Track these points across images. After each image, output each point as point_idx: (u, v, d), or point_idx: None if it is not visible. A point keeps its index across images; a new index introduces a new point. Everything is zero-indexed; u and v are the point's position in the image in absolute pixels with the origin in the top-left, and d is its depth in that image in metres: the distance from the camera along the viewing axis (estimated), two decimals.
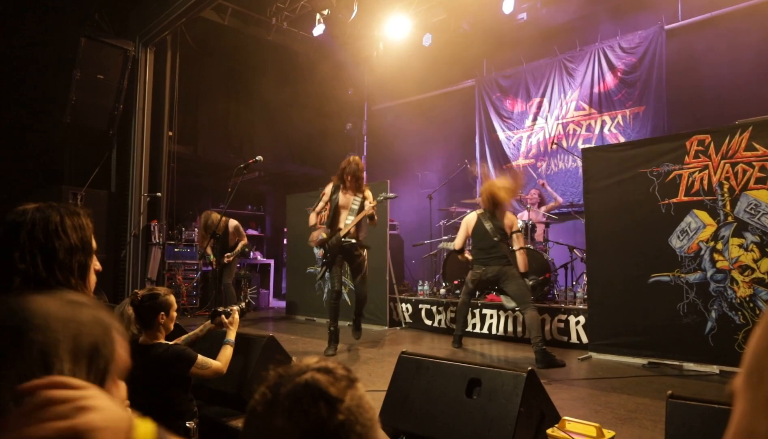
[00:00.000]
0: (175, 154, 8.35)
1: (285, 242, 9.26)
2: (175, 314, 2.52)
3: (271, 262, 10.12)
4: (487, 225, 5.01)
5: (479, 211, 5.18)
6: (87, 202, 7.53)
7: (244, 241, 7.15)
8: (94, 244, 1.38)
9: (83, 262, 1.32)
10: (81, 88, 7.34)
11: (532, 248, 6.27)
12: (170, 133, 8.31)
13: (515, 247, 4.98)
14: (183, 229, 8.27)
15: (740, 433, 0.35)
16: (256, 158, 5.01)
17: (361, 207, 4.95)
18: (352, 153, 10.76)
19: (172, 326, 2.52)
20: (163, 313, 2.42)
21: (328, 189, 5.21)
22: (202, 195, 10.42)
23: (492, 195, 5.00)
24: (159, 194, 7.97)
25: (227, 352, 2.65)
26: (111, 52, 7.59)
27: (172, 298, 2.51)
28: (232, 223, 7.05)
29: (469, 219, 5.23)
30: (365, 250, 5.12)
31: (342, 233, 4.94)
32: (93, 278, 1.40)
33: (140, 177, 7.92)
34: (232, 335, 2.75)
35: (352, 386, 0.70)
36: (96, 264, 1.41)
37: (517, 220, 5.37)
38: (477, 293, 5.96)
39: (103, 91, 7.64)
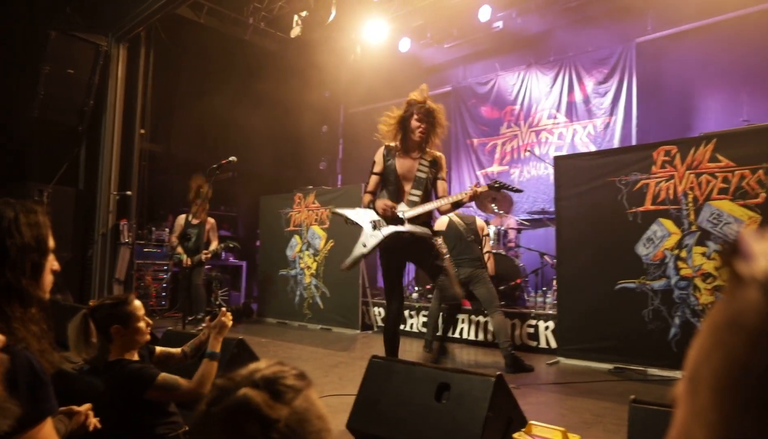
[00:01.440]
0: (147, 153, 8.21)
1: (258, 243, 9.17)
2: (140, 324, 2.15)
3: (243, 264, 10.01)
4: (461, 226, 5.08)
5: (451, 215, 5.22)
6: (54, 200, 7.33)
7: (217, 241, 7.08)
8: (51, 243, 1.35)
9: (37, 262, 1.29)
10: (50, 82, 7.16)
11: (504, 253, 6.35)
12: (142, 131, 8.16)
13: (485, 250, 5.06)
14: (153, 229, 8.13)
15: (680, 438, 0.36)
16: (230, 159, 4.96)
17: (432, 178, 3.63)
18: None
19: (141, 338, 2.17)
20: (118, 325, 2.08)
21: (379, 155, 3.79)
22: (173, 194, 10.25)
23: None
24: (129, 193, 7.82)
25: (206, 368, 2.16)
26: (82, 47, 7.42)
27: (131, 307, 2.14)
28: (210, 221, 6.95)
29: (441, 221, 5.27)
30: (439, 237, 3.74)
31: (410, 215, 3.51)
32: (49, 279, 1.36)
33: (110, 175, 7.75)
34: (216, 346, 2.24)
35: (298, 397, 0.68)
36: (53, 264, 1.37)
37: (485, 225, 5.46)
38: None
39: (73, 87, 7.46)
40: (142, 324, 2.17)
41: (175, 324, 5.90)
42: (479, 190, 3.43)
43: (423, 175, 3.60)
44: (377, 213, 3.60)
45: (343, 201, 7.11)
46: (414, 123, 3.62)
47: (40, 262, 1.30)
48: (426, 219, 3.61)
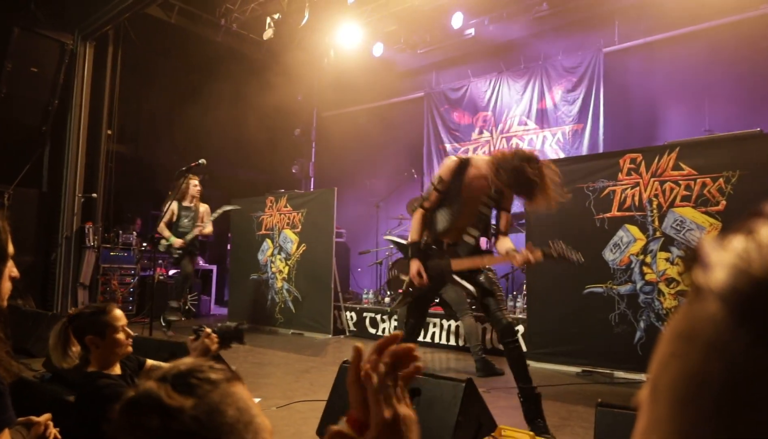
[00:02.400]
0: (113, 154, 8.03)
1: (228, 247, 9.06)
2: (119, 335, 2.03)
3: (214, 268, 9.87)
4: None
5: None
6: (15, 202, 7.11)
7: (211, 226, 6.78)
8: (10, 249, 1.30)
9: None
10: (12, 80, 6.95)
11: None
12: (109, 132, 7.99)
13: None
14: (120, 232, 7.94)
15: None
16: (199, 161, 4.89)
17: (499, 207, 3.13)
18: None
19: (120, 351, 2.05)
20: (92, 335, 1.98)
21: (447, 169, 3.09)
22: (141, 197, 10.04)
23: None
24: (95, 195, 7.63)
25: None
26: (47, 45, 7.24)
27: (110, 317, 2.03)
28: (204, 206, 6.71)
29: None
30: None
31: (460, 266, 3.05)
32: (7, 285, 1.31)
33: (75, 176, 7.56)
34: None
35: (214, 390, 0.67)
36: (12, 270, 1.32)
37: None
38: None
39: (37, 85, 7.27)
40: (121, 335, 2.04)
41: (142, 330, 5.77)
42: (533, 259, 2.94)
43: (485, 211, 3.06)
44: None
45: (315, 205, 7.08)
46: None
47: None
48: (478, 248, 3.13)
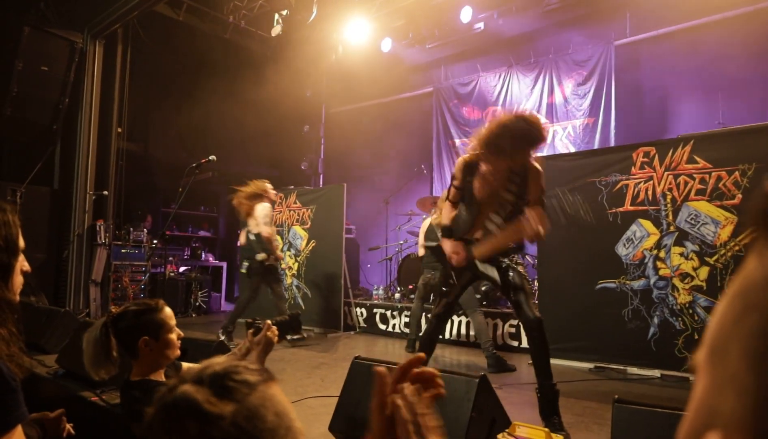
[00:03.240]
0: (124, 152, 8.05)
1: (239, 244, 9.07)
2: (172, 336, 1.85)
3: (224, 264, 9.90)
4: (438, 230, 5.10)
5: (433, 216, 5.26)
6: (27, 200, 7.16)
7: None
8: (21, 243, 1.30)
9: (6, 262, 1.24)
10: (23, 79, 6.99)
11: None
12: (119, 130, 8.02)
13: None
14: (131, 229, 7.98)
15: (702, 410, 0.35)
16: (210, 158, 4.88)
17: (520, 202, 2.96)
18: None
19: (172, 353, 1.86)
20: (146, 337, 1.78)
21: (457, 169, 3.11)
22: (152, 194, 10.10)
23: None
24: (106, 193, 7.67)
25: None
26: (57, 44, 7.26)
27: (163, 315, 1.85)
28: (258, 207, 5.74)
29: (424, 225, 5.37)
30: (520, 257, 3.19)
31: (481, 252, 2.99)
32: (18, 280, 1.31)
33: (86, 174, 7.60)
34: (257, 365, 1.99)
35: (252, 393, 0.64)
36: (24, 265, 1.32)
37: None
38: (431, 297, 6.02)
39: (47, 84, 7.30)
40: (173, 336, 1.86)
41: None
42: (538, 221, 2.81)
43: (510, 198, 2.95)
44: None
45: (324, 201, 7.07)
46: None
47: (9, 262, 1.25)
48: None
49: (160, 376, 1.84)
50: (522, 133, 2.75)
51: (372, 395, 0.71)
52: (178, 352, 1.89)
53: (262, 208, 5.49)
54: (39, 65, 7.11)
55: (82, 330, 4.03)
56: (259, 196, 5.55)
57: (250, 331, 1.97)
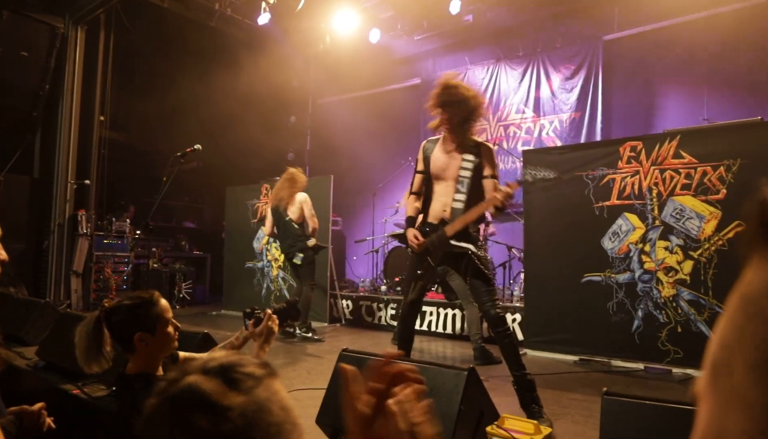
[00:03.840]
0: (106, 140, 7.91)
1: (223, 235, 8.99)
2: (169, 329, 1.79)
3: (208, 256, 9.80)
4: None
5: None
6: (6, 188, 7.01)
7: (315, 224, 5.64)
8: None
9: None
10: (1, 65, 6.83)
11: None
12: (101, 118, 7.87)
13: None
14: (113, 219, 7.86)
15: (708, 435, 0.33)
16: (195, 147, 4.80)
17: (476, 174, 3.03)
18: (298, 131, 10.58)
19: (169, 347, 1.81)
20: (142, 332, 1.72)
21: (420, 152, 3.30)
22: (135, 184, 9.94)
23: None
24: (87, 182, 7.53)
25: None
26: (37, 28, 7.09)
27: (159, 308, 1.79)
28: (301, 196, 5.57)
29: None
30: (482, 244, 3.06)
31: (451, 230, 3.01)
32: None
33: (67, 163, 7.45)
34: (262, 356, 1.86)
35: (258, 386, 0.62)
36: (1, 252, 1.28)
37: None
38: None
39: (27, 70, 7.13)
40: (170, 329, 1.80)
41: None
42: (510, 189, 2.85)
43: (466, 174, 3.03)
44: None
45: (310, 193, 7.00)
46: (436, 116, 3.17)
47: None
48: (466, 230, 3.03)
49: (158, 370, 1.78)
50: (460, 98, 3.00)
51: (342, 394, 0.70)
52: (176, 344, 1.83)
53: (307, 199, 5.47)
54: (19, 51, 6.94)
55: (63, 322, 3.96)
56: (297, 185, 5.49)
57: (251, 321, 1.92)
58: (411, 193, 3.27)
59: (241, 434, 0.57)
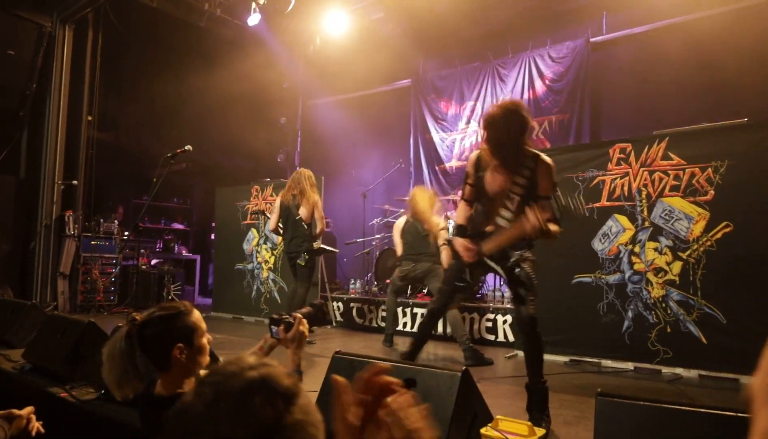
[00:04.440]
0: (94, 141, 7.84)
1: (213, 236, 8.94)
2: (205, 342, 1.70)
3: (197, 257, 9.74)
4: (417, 223, 5.20)
5: (408, 215, 5.39)
6: None
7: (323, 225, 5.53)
8: None
9: None
10: None
11: None
12: (89, 118, 7.79)
13: (440, 242, 5.06)
14: (101, 220, 7.78)
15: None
16: (185, 148, 4.77)
17: (529, 192, 2.90)
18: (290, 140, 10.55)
19: (204, 360, 1.70)
20: (181, 344, 1.61)
21: (469, 163, 3.13)
22: (123, 185, 9.86)
23: (413, 209, 5.12)
24: (75, 182, 7.46)
25: None
26: (24, 27, 7.01)
27: (194, 317, 1.69)
28: (314, 197, 5.41)
29: (399, 224, 5.44)
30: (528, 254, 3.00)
31: (488, 248, 2.95)
32: None
33: (54, 163, 7.37)
34: (295, 363, 1.80)
35: (300, 394, 0.64)
36: None
37: (440, 221, 5.28)
38: (407, 291, 6.03)
39: (13, 69, 7.05)
40: (205, 340, 1.71)
41: (125, 320, 5.67)
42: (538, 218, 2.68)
43: (518, 191, 2.90)
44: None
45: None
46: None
47: None
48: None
49: (191, 386, 1.63)
50: (512, 122, 2.81)
51: (333, 405, 0.69)
52: (208, 358, 1.73)
53: (319, 201, 5.43)
54: (5, 49, 6.86)
55: (50, 324, 3.90)
56: (313, 186, 5.44)
57: (280, 327, 1.83)
58: (462, 200, 3.19)
59: (303, 426, 0.58)
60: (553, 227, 2.70)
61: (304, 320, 1.84)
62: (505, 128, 2.81)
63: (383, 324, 6.00)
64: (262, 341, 1.94)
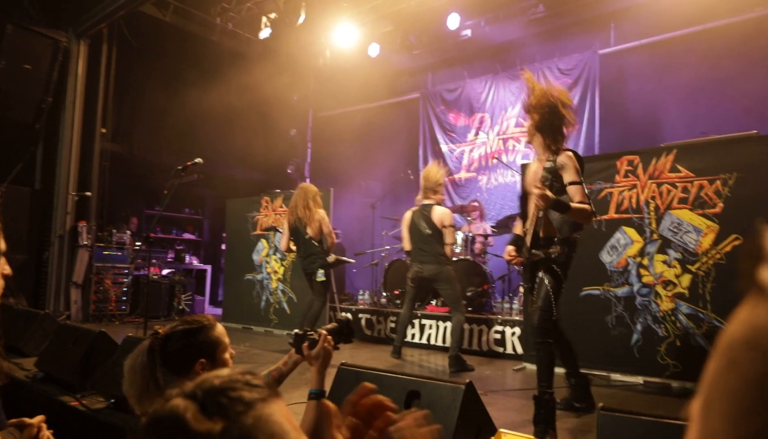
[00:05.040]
0: (108, 153, 7.96)
1: (223, 247, 9.02)
2: (227, 357, 1.67)
3: (208, 268, 9.82)
4: (420, 221, 5.05)
5: (414, 208, 5.23)
6: (7, 200, 7.04)
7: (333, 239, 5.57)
8: (2, 245, 1.27)
9: None
10: (5, 77, 6.89)
11: (471, 259, 6.40)
12: (103, 130, 7.93)
13: (446, 241, 4.97)
14: (114, 231, 7.88)
15: None
16: (195, 160, 4.84)
17: (554, 177, 3.05)
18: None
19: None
20: (204, 360, 1.58)
21: (523, 176, 3.32)
22: (135, 196, 9.99)
23: (426, 178, 5.10)
24: (89, 194, 7.57)
25: (317, 412, 1.71)
26: (41, 42, 7.17)
27: (217, 332, 1.66)
28: (319, 214, 5.42)
29: (406, 217, 5.29)
30: (556, 256, 3.10)
31: (528, 240, 3.17)
32: None
33: (68, 175, 7.50)
34: (321, 382, 1.81)
35: (249, 411, 0.59)
36: (5, 268, 1.29)
37: (450, 216, 5.09)
38: (425, 297, 5.93)
39: (30, 83, 7.20)
40: (227, 355, 1.67)
41: (136, 330, 5.74)
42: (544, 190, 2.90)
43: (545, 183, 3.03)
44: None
45: None
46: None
47: None
48: (547, 236, 3.11)
49: None
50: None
51: (326, 429, 0.69)
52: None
53: (325, 216, 5.41)
54: (22, 63, 7.01)
55: (62, 333, 3.96)
56: (316, 204, 5.41)
57: (305, 344, 1.81)
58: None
59: None
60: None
61: (330, 337, 1.82)
62: (549, 114, 3.21)
63: (393, 335, 6.00)
64: (287, 357, 1.92)
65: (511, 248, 3.31)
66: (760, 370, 0.29)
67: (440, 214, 5.03)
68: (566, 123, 3.15)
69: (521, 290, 5.61)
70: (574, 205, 2.93)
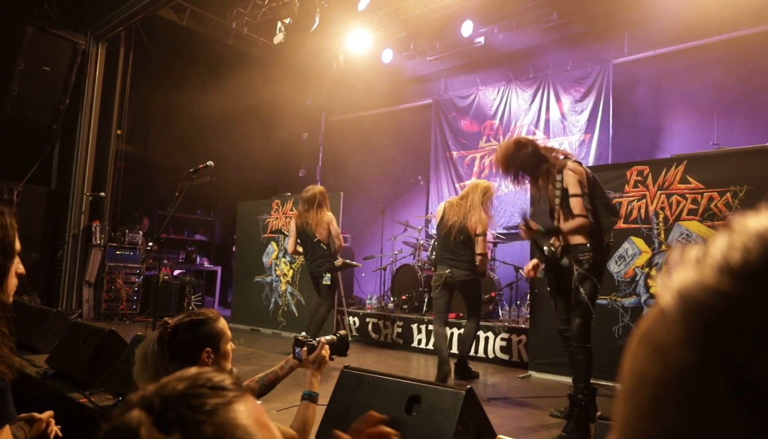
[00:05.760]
0: (122, 154, 8.08)
1: (234, 249, 9.09)
2: (229, 348, 1.78)
3: (218, 269, 9.90)
4: (452, 222, 4.53)
5: (450, 199, 4.82)
6: (24, 199, 7.17)
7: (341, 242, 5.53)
8: (17, 246, 1.31)
9: (2, 264, 1.25)
10: (24, 78, 7.03)
11: None
12: (119, 132, 8.05)
13: (477, 250, 4.55)
14: (127, 231, 7.99)
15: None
16: (207, 163, 4.91)
17: (564, 195, 3.29)
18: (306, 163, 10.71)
19: (228, 365, 1.79)
20: (209, 348, 1.69)
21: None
22: (149, 197, 10.12)
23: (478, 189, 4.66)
24: (103, 194, 7.69)
25: (308, 413, 1.89)
26: (59, 44, 7.31)
27: (220, 324, 1.77)
28: (327, 216, 5.40)
29: (440, 208, 4.82)
30: (585, 259, 3.24)
31: (554, 244, 3.48)
32: (13, 282, 1.33)
33: (83, 175, 7.62)
34: (315, 385, 1.94)
35: (210, 420, 0.54)
36: (19, 267, 1.34)
37: (486, 222, 4.61)
38: (448, 307, 5.47)
39: (48, 84, 7.34)
40: (229, 347, 1.78)
41: (146, 329, 5.81)
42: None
43: (557, 201, 3.29)
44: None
45: None
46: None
47: (4, 265, 1.27)
48: (577, 243, 3.29)
49: None
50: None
51: None
52: (230, 365, 1.81)
53: (333, 219, 5.39)
54: (41, 65, 7.15)
55: (74, 331, 4.04)
56: (324, 207, 5.38)
57: (304, 349, 1.94)
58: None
59: None
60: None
61: (327, 346, 1.96)
62: (524, 159, 3.50)
63: (399, 340, 6.02)
64: (284, 361, 2.04)
65: (531, 265, 3.56)
66: (644, 361, 0.33)
67: (476, 219, 4.56)
68: (537, 146, 3.46)
69: (529, 297, 5.59)
70: (562, 225, 3.22)
